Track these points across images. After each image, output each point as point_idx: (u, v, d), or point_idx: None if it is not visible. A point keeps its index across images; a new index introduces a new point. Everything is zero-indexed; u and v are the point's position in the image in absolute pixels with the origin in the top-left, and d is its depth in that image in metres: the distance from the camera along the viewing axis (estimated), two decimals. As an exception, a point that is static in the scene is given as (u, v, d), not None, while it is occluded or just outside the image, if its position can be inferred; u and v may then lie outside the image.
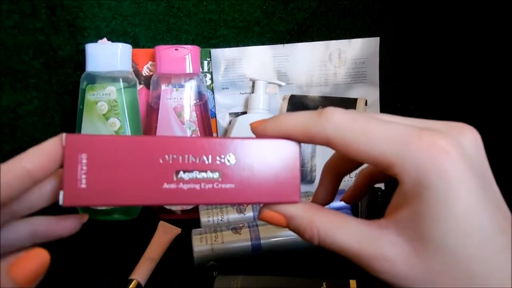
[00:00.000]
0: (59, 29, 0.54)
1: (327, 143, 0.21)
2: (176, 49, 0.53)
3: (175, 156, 0.21)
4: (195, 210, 0.51)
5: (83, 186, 0.21)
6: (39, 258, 0.19)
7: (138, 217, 0.54)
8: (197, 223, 0.48)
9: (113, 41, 0.55)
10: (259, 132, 0.23)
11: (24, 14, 0.52)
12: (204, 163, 0.22)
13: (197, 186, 0.21)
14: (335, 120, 0.20)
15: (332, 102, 0.58)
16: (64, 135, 0.21)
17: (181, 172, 0.21)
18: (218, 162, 0.22)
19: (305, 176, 0.58)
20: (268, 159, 0.22)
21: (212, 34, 0.58)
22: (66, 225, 0.23)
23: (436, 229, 0.18)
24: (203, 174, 0.22)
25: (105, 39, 0.54)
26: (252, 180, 0.22)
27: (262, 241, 0.43)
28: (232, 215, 0.47)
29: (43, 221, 0.23)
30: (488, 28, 0.55)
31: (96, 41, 0.53)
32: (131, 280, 0.41)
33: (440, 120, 0.21)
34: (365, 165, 0.26)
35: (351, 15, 0.57)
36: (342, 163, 0.27)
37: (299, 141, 0.22)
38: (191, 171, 0.21)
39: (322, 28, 0.57)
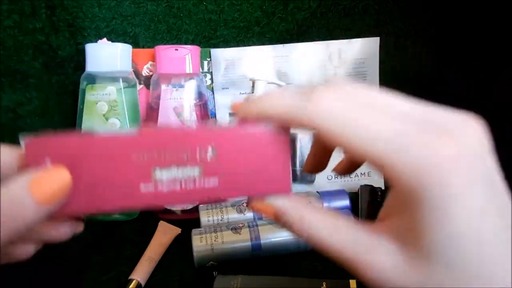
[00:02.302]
0: (59, 29, 0.54)
1: (314, 131, 0.19)
2: (176, 49, 0.53)
3: (150, 153, 0.19)
4: (195, 210, 0.51)
5: None
6: (62, 176, 0.18)
7: (138, 217, 0.54)
8: (197, 223, 0.48)
9: (113, 41, 0.55)
10: (241, 115, 0.21)
11: (24, 14, 0.52)
12: (182, 159, 0.19)
13: (177, 185, 0.20)
14: (324, 108, 0.18)
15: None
16: (22, 140, 0.19)
17: (158, 170, 0.19)
18: (197, 157, 0.20)
19: (305, 176, 0.58)
20: (254, 150, 0.20)
21: (212, 34, 0.58)
22: (59, 231, 0.21)
23: (433, 241, 0.16)
24: (182, 171, 0.20)
25: (105, 39, 0.54)
26: (237, 173, 0.20)
27: (262, 241, 0.43)
28: (232, 215, 0.47)
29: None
30: (488, 27, 0.55)
31: (96, 41, 0.53)
32: (131, 280, 0.41)
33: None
34: None
35: (351, 15, 0.57)
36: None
37: (284, 126, 0.20)
38: (169, 168, 0.19)
39: (322, 28, 0.57)
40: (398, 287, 0.18)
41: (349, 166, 0.28)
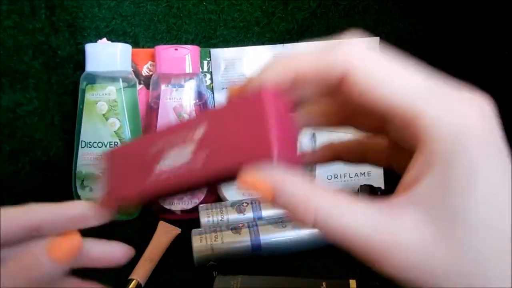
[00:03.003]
0: (58, 29, 0.54)
1: (342, 77, 0.17)
2: (176, 49, 0.53)
3: (160, 147, 0.21)
4: (195, 210, 0.51)
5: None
6: (73, 239, 0.22)
7: (138, 217, 0.54)
8: (197, 223, 0.47)
9: (113, 41, 0.55)
10: (257, 81, 0.19)
11: (23, 14, 0.52)
12: (178, 145, 0.20)
13: (172, 171, 0.20)
14: (359, 49, 0.17)
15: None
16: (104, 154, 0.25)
17: (161, 161, 0.21)
18: (189, 138, 0.20)
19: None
20: (240, 119, 0.18)
21: (212, 34, 0.58)
22: (117, 254, 0.25)
23: (475, 205, 0.14)
24: (178, 157, 0.20)
25: (105, 39, 0.54)
26: (226, 147, 0.18)
27: (262, 241, 0.42)
28: (232, 215, 0.47)
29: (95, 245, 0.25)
30: (488, 27, 0.55)
31: (96, 41, 0.53)
32: (131, 280, 0.41)
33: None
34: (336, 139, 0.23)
35: (351, 15, 0.57)
36: (348, 147, 0.23)
37: (306, 78, 0.18)
38: (167, 158, 0.21)
39: (322, 28, 0.57)
40: (429, 269, 0.15)
41: (315, 161, 0.25)
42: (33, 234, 0.22)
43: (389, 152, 0.22)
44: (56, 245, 0.21)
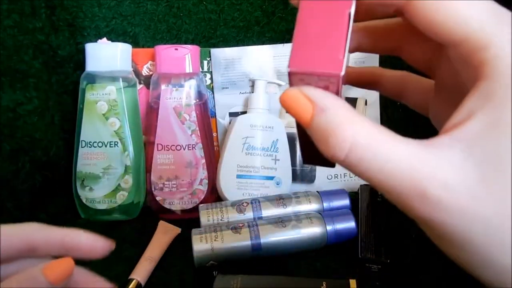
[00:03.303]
0: (59, 29, 0.54)
1: (407, 2, 0.16)
2: (176, 49, 0.53)
3: None
4: (195, 210, 0.51)
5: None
6: (67, 263, 0.23)
7: (138, 217, 0.54)
8: (197, 223, 0.47)
9: (113, 41, 0.55)
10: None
11: (24, 14, 0.52)
12: None
13: None
14: None
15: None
16: None
17: None
18: None
19: (305, 176, 0.58)
20: (317, 20, 0.18)
21: (212, 33, 0.58)
22: None
23: None
24: None
25: (105, 39, 0.54)
26: (303, 46, 0.17)
27: (262, 241, 0.42)
28: (232, 215, 0.47)
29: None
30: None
31: (96, 41, 0.53)
32: (131, 280, 0.41)
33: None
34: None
35: (351, 14, 0.57)
36: (391, 76, 0.22)
37: None
38: None
39: (322, 28, 0.57)
40: (465, 211, 0.14)
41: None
42: (28, 255, 0.24)
43: (431, 95, 0.21)
44: (52, 265, 0.22)
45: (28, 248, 0.24)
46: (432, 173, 0.14)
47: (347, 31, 0.17)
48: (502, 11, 0.15)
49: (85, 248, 0.25)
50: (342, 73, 0.16)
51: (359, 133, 0.15)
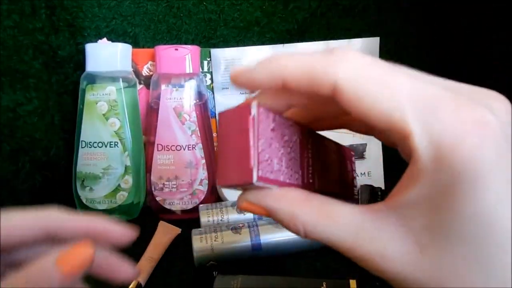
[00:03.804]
0: (59, 29, 0.54)
1: (333, 92, 0.16)
2: (176, 49, 0.53)
3: None
4: (195, 210, 0.51)
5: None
6: (85, 251, 0.20)
7: (138, 217, 0.54)
8: (197, 223, 0.47)
9: (113, 41, 0.55)
10: (243, 80, 0.18)
11: (24, 14, 0.52)
12: None
13: None
14: (350, 60, 0.16)
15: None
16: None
17: None
18: None
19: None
20: (233, 131, 0.18)
21: (212, 34, 0.58)
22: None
23: (456, 221, 0.14)
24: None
25: (105, 39, 0.54)
26: (225, 157, 0.19)
27: (262, 241, 0.42)
28: (232, 215, 0.47)
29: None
30: (488, 27, 0.55)
31: (96, 41, 0.53)
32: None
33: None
34: None
35: (351, 15, 0.57)
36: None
37: (295, 88, 0.17)
38: None
39: (322, 28, 0.57)
40: (411, 278, 0.15)
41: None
42: (45, 240, 0.22)
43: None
44: (66, 258, 0.20)
45: (45, 233, 0.22)
46: (373, 246, 0.16)
47: (255, 136, 0.17)
48: (426, 93, 0.15)
49: (114, 233, 0.23)
50: (254, 180, 0.17)
51: (305, 221, 0.18)
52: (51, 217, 0.22)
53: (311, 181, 0.21)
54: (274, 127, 0.19)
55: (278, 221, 0.19)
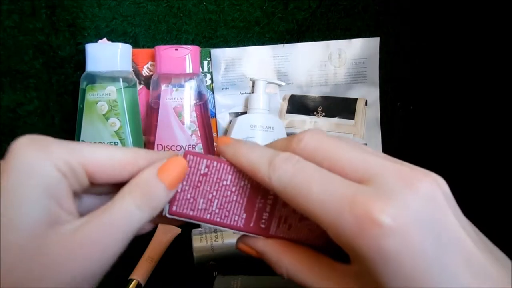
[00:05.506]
0: (59, 29, 0.54)
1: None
2: (176, 49, 0.53)
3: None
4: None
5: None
6: (181, 163, 0.22)
7: (138, 217, 0.54)
8: (197, 223, 0.48)
9: (113, 41, 0.55)
10: (221, 150, 0.23)
11: (24, 14, 0.52)
12: None
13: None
14: (280, 173, 0.20)
15: (332, 102, 0.58)
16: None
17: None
18: None
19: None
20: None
21: (212, 34, 0.58)
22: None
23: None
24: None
25: (105, 39, 0.54)
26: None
27: (262, 241, 0.42)
28: (232, 215, 0.47)
29: None
30: (488, 27, 0.55)
31: (96, 41, 0.53)
32: (131, 280, 0.41)
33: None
34: None
35: (351, 15, 0.57)
36: None
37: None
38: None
39: (322, 28, 0.57)
40: None
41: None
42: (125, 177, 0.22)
43: None
44: (167, 167, 0.21)
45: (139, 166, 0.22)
46: None
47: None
48: (363, 191, 0.18)
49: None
50: (165, 213, 0.23)
51: (288, 267, 0.22)
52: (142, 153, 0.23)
53: (262, 226, 0.23)
54: (207, 173, 0.22)
55: (266, 261, 0.23)
